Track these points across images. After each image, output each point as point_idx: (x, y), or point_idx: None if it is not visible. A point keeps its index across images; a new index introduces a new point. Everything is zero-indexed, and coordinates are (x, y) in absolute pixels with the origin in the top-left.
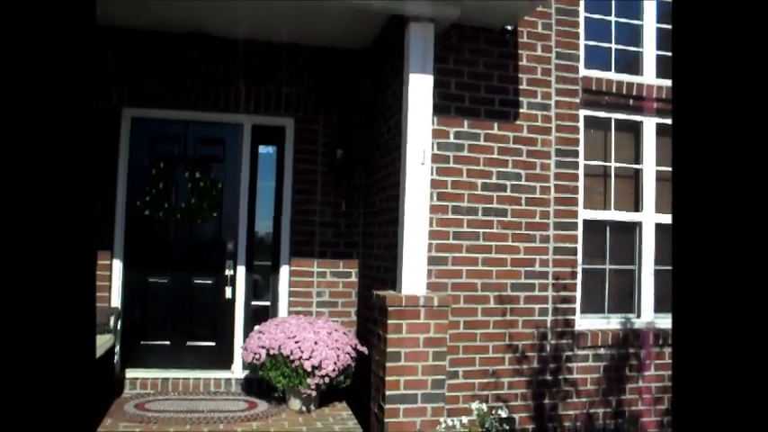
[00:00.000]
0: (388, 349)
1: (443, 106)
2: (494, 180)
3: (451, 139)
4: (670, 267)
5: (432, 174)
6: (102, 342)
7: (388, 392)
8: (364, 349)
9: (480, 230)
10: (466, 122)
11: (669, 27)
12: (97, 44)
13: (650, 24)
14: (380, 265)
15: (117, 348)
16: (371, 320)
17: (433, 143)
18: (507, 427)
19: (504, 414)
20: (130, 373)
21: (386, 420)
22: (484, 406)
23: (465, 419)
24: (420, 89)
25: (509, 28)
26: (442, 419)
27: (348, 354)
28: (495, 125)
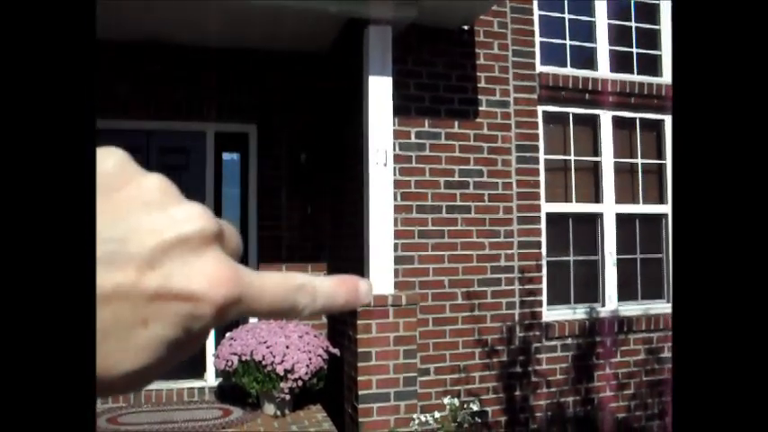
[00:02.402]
0: (359, 349)
1: (404, 107)
2: (456, 178)
3: (413, 140)
4: (631, 256)
5: (395, 174)
6: None
7: (360, 392)
8: (336, 351)
9: (445, 228)
10: (427, 122)
11: (621, 23)
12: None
13: (602, 21)
14: (349, 267)
15: None
16: (342, 322)
17: (394, 144)
18: (479, 420)
19: (475, 408)
20: None
21: (360, 420)
22: (456, 401)
23: (437, 415)
24: (379, 91)
25: (466, 28)
26: (414, 416)
27: (320, 356)
28: (456, 124)
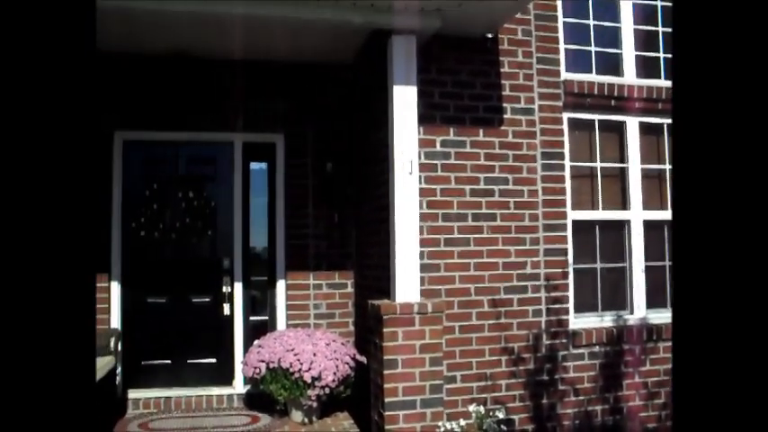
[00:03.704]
0: (385, 357)
1: (429, 116)
2: (482, 186)
3: (438, 148)
4: (660, 263)
5: (420, 182)
6: (103, 364)
7: (387, 399)
8: (363, 359)
9: (471, 236)
10: (452, 130)
11: (646, 28)
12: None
13: (628, 26)
14: (375, 275)
15: (118, 369)
16: (368, 330)
17: (420, 152)
18: (505, 428)
19: (501, 415)
20: (133, 394)
21: (386, 427)
22: (481, 408)
23: (463, 422)
24: (404, 100)
25: (489, 36)
26: (440, 423)
27: (347, 364)
28: (481, 132)
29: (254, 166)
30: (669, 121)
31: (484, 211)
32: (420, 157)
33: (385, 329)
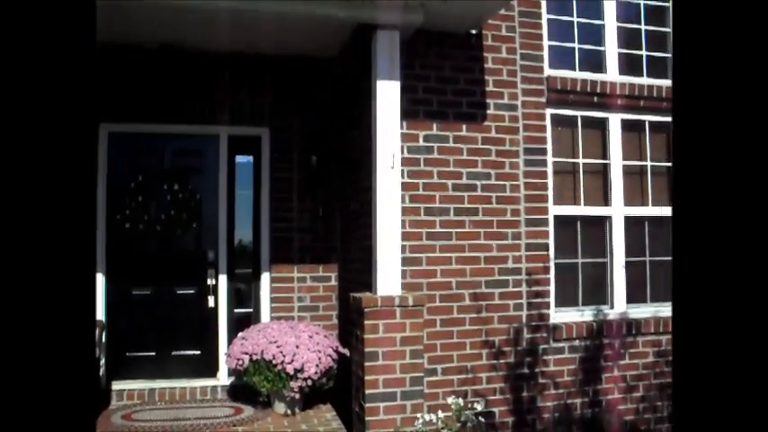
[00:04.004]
0: (366, 349)
1: (412, 110)
2: (464, 180)
3: (421, 143)
4: (640, 259)
5: (403, 177)
6: None
7: (367, 391)
8: (345, 351)
9: (453, 230)
10: (435, 125)
11: (630, 26)
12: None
13: (611, 23)
14: (358, 268)
15: (102, 361)
16: (350, 322)
17: (403, 147)
18: (483, 420)
19: (479, 407)
20: (117, 385)
21: (367, 419)
22: (460, 400)
23: (441, 414)
24: (388, 95)
25: (473, 32)
26: (419, 415)
27: (329, 356)
28: (464, 127)
29: (239, 159)
30: (651, 117)
31: (466, 205)
32: (403, 152)
33: (366, 322)
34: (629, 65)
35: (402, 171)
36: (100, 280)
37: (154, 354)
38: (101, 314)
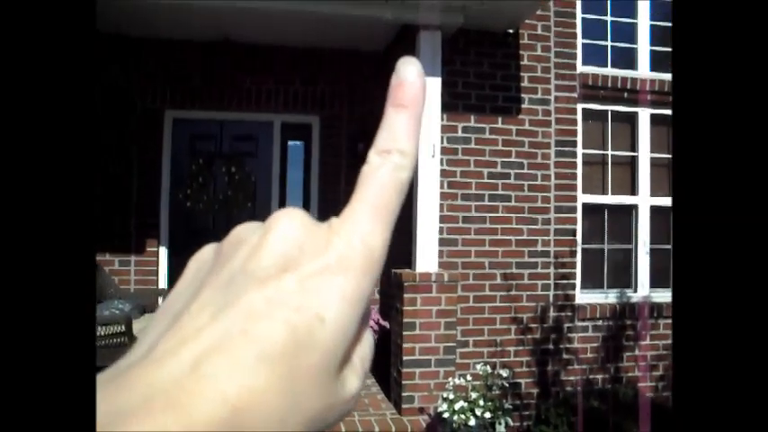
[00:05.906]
0: (405, 320)
1: (452, 104)
2: (499, 169)
3: (459, 134)
4: (665, 246)
5: (442, 165)
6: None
7: (405, 358)
8: (386, 324)
9: (487, 215)
10: (472, 118)
11: (662, 24)
12: (141, 53)
13: (644, 22)
14: (399, 248)
15: None
16: (390, 296)
17: (442, 137)
18: (507, 385)
19: (504, 374)
20: None
21: (403, 382)
22: (488, 367)
23: (470, 377)
24: (430, 89)
25: (511, 31)
26: (450, 379)
27: (371, 327)
28: (500, 119)
29: (291, 144)
30: None
31: (500, 192)
32: (442, 142)
33: (405, 295)
34: (660, 61)
35: (441, 159)
36: (163, 253)
37: None
38: (164, 283)
